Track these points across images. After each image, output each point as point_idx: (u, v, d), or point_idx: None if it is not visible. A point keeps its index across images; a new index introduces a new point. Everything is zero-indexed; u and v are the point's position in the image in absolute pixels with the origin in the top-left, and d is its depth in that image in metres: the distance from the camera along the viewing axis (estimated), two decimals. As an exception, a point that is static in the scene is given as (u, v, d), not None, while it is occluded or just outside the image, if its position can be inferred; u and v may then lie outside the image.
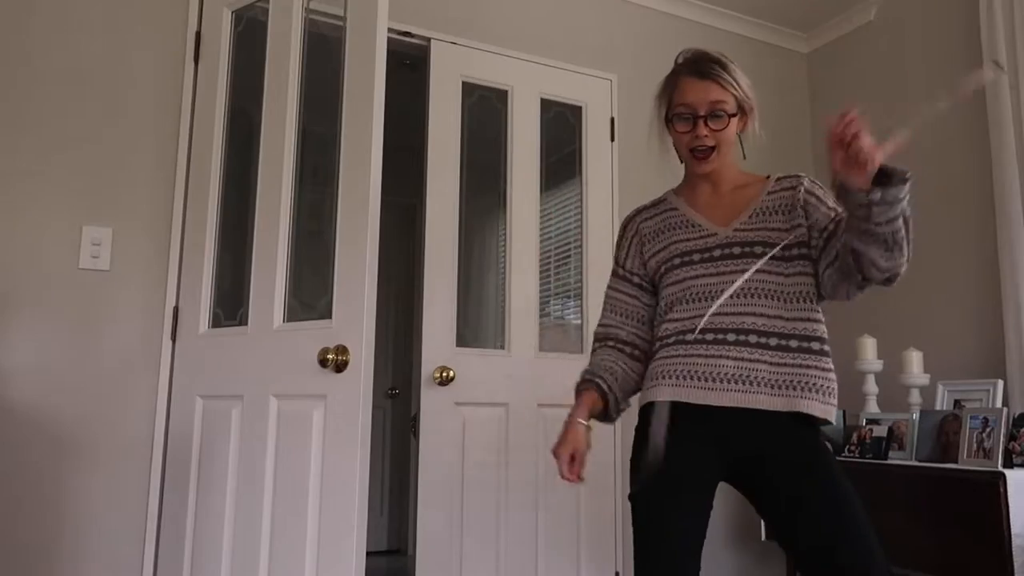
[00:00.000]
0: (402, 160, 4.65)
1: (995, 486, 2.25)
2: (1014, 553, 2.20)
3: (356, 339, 2.08)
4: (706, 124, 1.63)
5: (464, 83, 3.05)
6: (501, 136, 3.11)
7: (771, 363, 1.56)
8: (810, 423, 1.58)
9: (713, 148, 1.65)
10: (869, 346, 3.12)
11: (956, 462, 2.51)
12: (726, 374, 1.56)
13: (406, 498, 4.94)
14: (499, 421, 2.91)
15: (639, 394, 1.73)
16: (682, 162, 1.75)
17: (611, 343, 1.76)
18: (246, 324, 2.34)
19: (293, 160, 2.35)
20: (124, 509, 2.38)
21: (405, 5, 2.97)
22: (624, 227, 1.85)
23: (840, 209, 1.56)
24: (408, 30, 2.97)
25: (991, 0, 2.96)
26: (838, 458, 2.82)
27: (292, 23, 2.40)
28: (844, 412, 2.98)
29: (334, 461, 2.07)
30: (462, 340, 2.92)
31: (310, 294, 2.31)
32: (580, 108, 3.28)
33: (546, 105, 3.20)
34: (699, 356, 1.59)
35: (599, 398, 1.70)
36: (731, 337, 1.58)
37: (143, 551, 2.38)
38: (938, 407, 2.89)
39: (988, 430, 2.42)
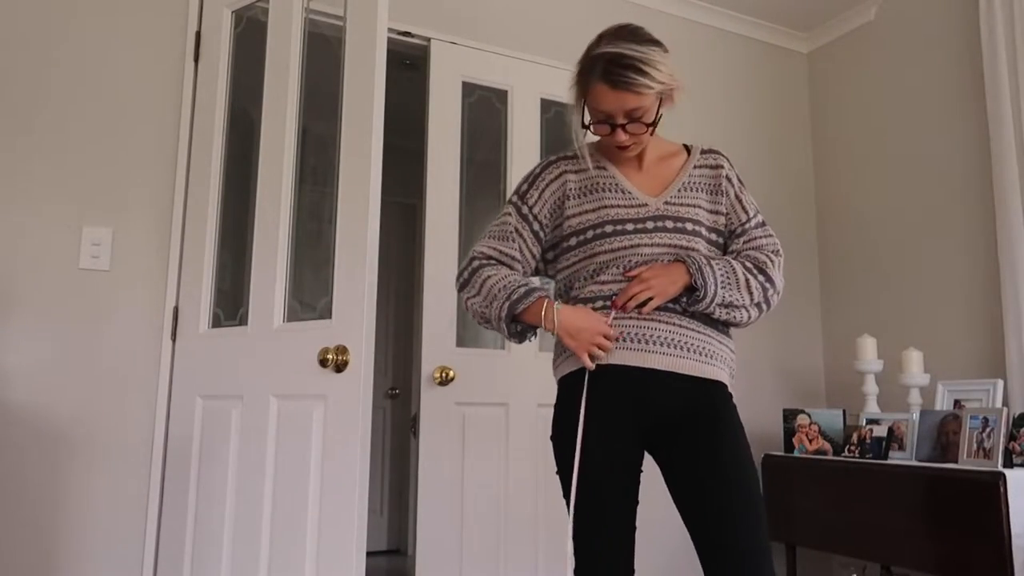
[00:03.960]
0: (402, 160, 4.65)
1: (995, 486, 2.25)
2: (1014, 553, 2.20)
3: (356, 339, 2.08)
4: (624, 130, 1.58)
5: (464, 83, 3.05)
6: (501, 136, 3.11)
7: (698, 331, 1.61)
8: (719, 387, 1.62)
9: (636, 143, 1.63)
10: (869, 346, 3.12)
11: (956, 462, 2.51)
12: (659, 337, 1.57)
13: (406, 498, 4.94)
14: (499, 421, 2.91)
15: (560, 360, 1.67)
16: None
17: (516, 267, 1.69)
18: (246, 324, 2.34)
19: (293, 160, 2.35)
20: (124, 509, 2.38)
21: (405, 5, 2.97)
22: (545, 168, 1.72)
23: (744, 218, 1.70)
24: (408, 30, 2.97)
25: (991, 0, 2.96)
26: (838, 458, 2.83)
27: (292, 23, 2.41)
28: (844, 412, 2.98)
29: (334, 461, 2.07)
30: (462, 340, 2.92)
31: (310, 294, 2.32)
32: (580, 108, 3.28)
33: (546, 105, 3.20)
34: (631, 319, 1.59)
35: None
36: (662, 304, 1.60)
37: (143, 551, 2.38)
38: (938, 407, 2.89)
39: (988, 430, 2.42)
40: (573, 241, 1.67)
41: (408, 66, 3.72)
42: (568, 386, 1.63)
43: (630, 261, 1.62)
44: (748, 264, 1.65)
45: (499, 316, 1.62)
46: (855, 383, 3.34)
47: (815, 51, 3.94)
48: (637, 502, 1.59)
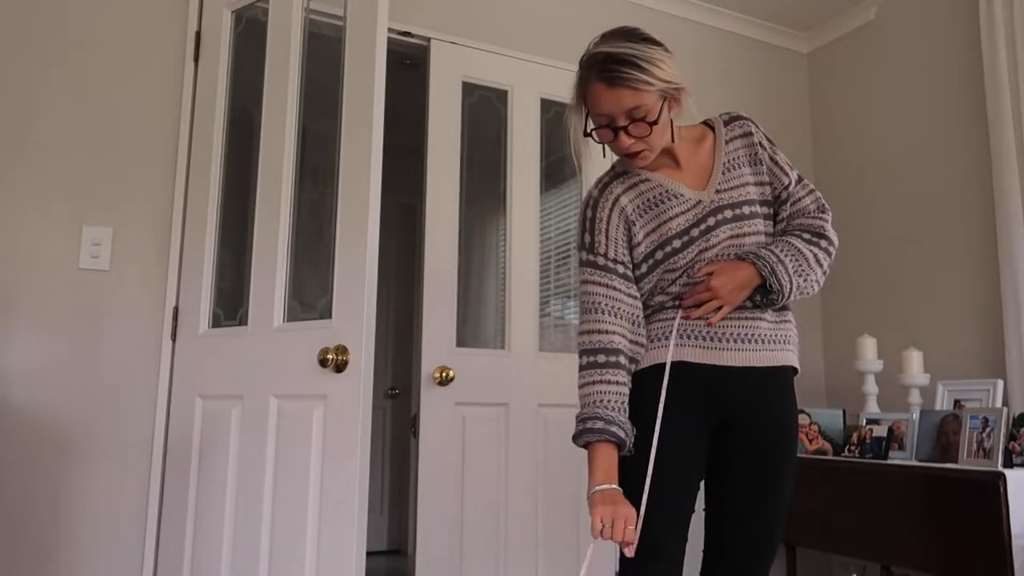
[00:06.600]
0: (402, 160, 4.65)
1: (995, 486, 2.25)
2: (1014, 553, 2.20)
3: (356, 339, 2.08)
4: (628, 133, 1.50)
5: (464, 83, 3.05)
6: (501, 136, 3.11)
7: (766, 319, 1.60)
8: (788, 373, 1.62)
9: (645, 148, 1.54)
10: (869, 346, 3.12)
11: (956, 462, 2.51)
12: (730, 334, 1.56)
13: (406, 498, 4.94)
14: (499, 421, 2.91)
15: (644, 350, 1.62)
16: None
17: (621, 359, 1.54)
18: (246, 324, 2.34)
19: (293, 160, 2.35)
20: (124, 509, 2.38)
21: (405, 5, 2.97)
22: (595, 205, 1.61)
23: (786, 181, 1.65)
24: (408, 30, 2.97)
25: (991, 0, 2.96)
26: (838, 458, 2.83)
27: (292, 23, 2.41)
28: (844, 412, 2.98)
29: (334, 461, 2.07)
30: (462, 340, 2.92)
31: (310, 294, 2.31)
32: (580, 108, 3.28)
33: (546, 105, 3.20)
34: (704, 322, 1.57)
35: (616, 451, 1.50)
36: None
37: (143, 551, 2.38)
38: (938, 407, 2.89)
39: (988, 430, 2.42)
40: (644, 268, 1.59)
41: (408, 66, 3.72)
42: (640, 382, 1.58)
43: (697, 266, 1.58)
44: (806, 236, 1.62)
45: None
46: (855, 383, 3.34)
47: (815, 51, 3.94)
48: (697, 489, 1.59)
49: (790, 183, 1.64)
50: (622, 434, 1.49)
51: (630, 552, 1.45)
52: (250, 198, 2.41)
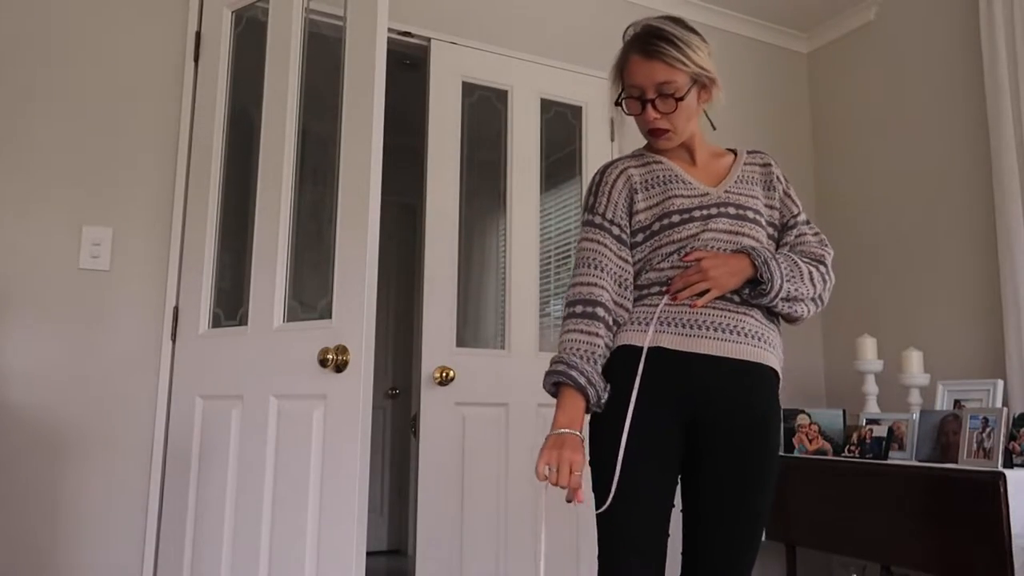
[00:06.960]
0: (402, 160, 4.65)
1: (995, 486, 2.25)
2: (1014, 553, 2.20)
3: (356, 339, 2.08)
4: (655, 107, 1.58)
5: (464, 83, 3.05)
6: (501, 136, 3.11)
7: (751, 316, 1.58)
8: (771, 375, 1.60)
9: (669, 129, 1.61)
10: (869, 346, 3.12)
11: (956, 462, 2.51)
12: (710, 323, 1.54)
13: (406, 498, 4.94)
14: (499, 421, 2.91)
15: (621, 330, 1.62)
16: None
17: (599, 310, 1.56)
18: (246, 324, 2.34)
19: (293, 160, 2.35)
20: (124, 509, 2.38)
21: (405, 5, 2.97)
22: (604, 172, 1.68)
23: (796, 211, 1.71)
24: (408, 30, 2.97)
25: (991, 0, 2.96)
26: (838, 458, 2.83)
27: (292, 23, 2.41)
28: (844, 412, 2.98)
29: (334, 461, 2.07)
30: (462, 340, 2.92)
31: (310, 294, 2.32)
32: (580, 108, 3.28)
33: (546, 105, 3.20)
34: (683, 305, 1.56)
35: (583, 399, 1.52)
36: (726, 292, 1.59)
37: (143, 551, 2.38)
38: (938, 407, 2.89)
39: (988, 430, 2.42)
40: (640, 237, 1.63)
41: (408, 66, 3.72)
42: (611, 365, 1.58)
43: (691, 248, 1.58)
44: (804, 258, 1.64)
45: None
46: (855, 383, 3.34)
47: (815, 51, 3.94)
48: (675, 485, 1.55)
49: (799, 213, 1.71)
50: (582, 380, 1.50)
51: (579, 499, 1.45)
52: (250, 198, 2.41)
